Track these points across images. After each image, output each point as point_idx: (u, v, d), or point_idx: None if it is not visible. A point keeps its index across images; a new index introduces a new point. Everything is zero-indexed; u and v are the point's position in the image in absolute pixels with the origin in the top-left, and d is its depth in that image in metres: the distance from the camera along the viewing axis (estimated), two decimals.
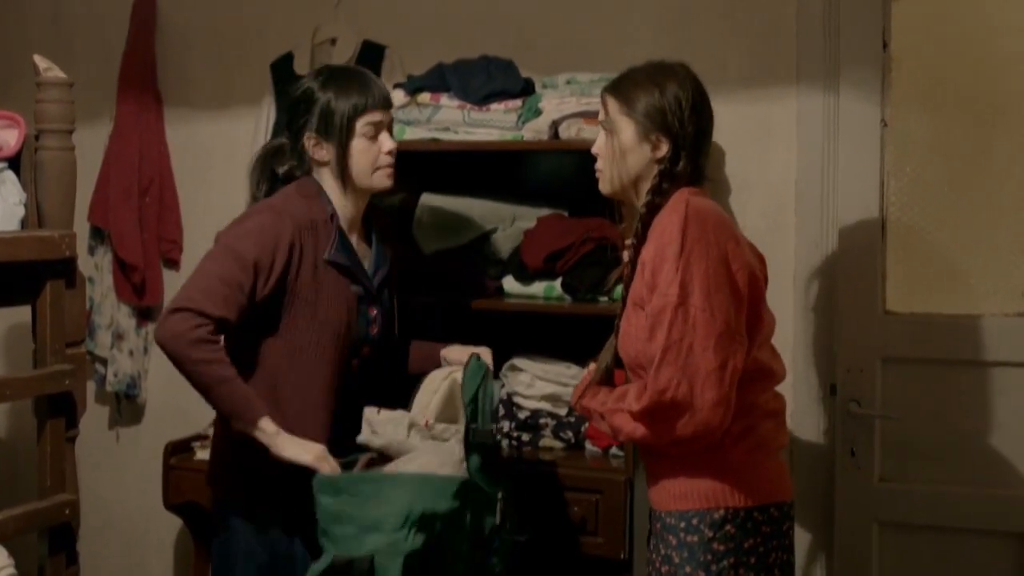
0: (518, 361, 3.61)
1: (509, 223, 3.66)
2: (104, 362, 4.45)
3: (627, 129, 2.71)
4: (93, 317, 4.42)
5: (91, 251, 4.43)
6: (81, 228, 4.39)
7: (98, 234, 4.42)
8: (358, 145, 2.95)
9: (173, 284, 4.39)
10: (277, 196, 2.99)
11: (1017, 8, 3.43)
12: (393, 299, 3.18)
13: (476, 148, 3.57)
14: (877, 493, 3.57)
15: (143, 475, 4.42)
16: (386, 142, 2.99)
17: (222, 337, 2.86)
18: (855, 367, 3.55)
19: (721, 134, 3.51)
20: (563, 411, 3.58)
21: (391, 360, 3.23)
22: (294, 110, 3.00)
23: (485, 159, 3.71)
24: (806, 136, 3.58)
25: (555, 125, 3.48)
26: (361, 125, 2.94)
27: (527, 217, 3.66)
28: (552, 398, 3.58)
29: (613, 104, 2.76)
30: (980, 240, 3.50)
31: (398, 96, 3.70)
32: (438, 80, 3.67)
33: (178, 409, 4.36)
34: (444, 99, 3.63)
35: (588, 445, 3.56)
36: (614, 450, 3.49)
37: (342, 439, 2.93)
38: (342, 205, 3.00)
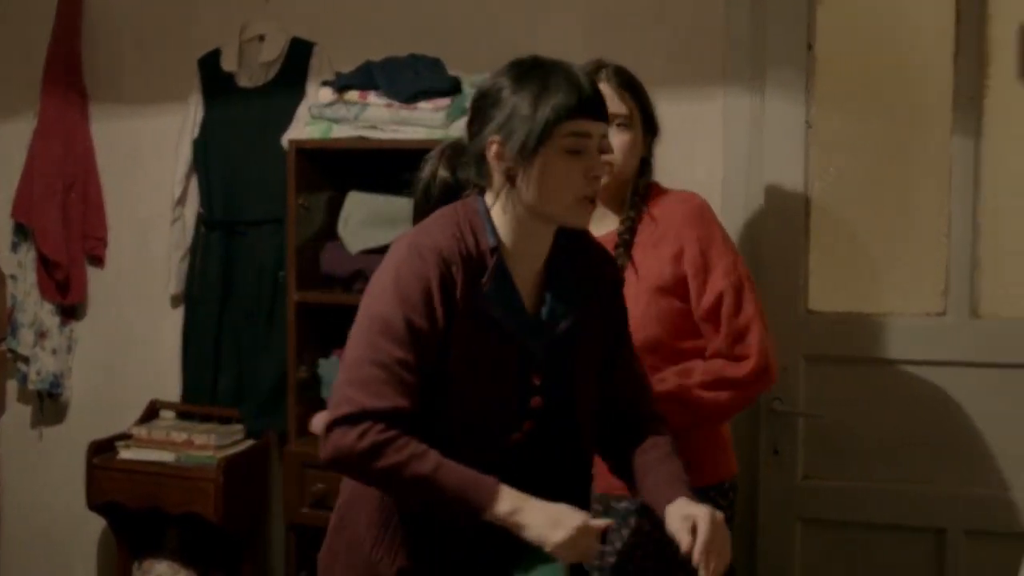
0: None
1: None
2: (26, 360, 4.38)
3: (639, 124, 2.92)
4: (15, 315, 4.36)
5: (14, 248, 4.37)
6: (4, 225, 4.38)
7: (21, 231, 4.36)
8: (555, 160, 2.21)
9: (97, 281, 4.36)
10: (422, 223, 2.30)
11: (935, 11, 3.47)
12: (587, 359, 2.39)
13: (403, 147, 3.57)
14: (800, 490, 3.60)
15: (66, 475, 4.37)
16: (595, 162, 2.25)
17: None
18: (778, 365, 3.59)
19: None
20: None
21: (585, 439, 2.41)
22: (477, 105, 2.32)
23: (413, 157, 3.68)
24: (732, 136, 3.61)
25: None
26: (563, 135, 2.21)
27: None
28: None
29: (630, 99, 2.89)
30: (901, 240, 3.54)
31: (325, 94, 3.69)
32: (366, 78, 3.66)
33: (102, 408, 4.33)
34: (372, 97, 3.62)
35: None
36: None
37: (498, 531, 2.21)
38: (515, 234, 2.28)
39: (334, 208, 3.76)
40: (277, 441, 4.06)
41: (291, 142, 3.69)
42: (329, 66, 3.96)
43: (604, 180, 2.27)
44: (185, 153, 4.14)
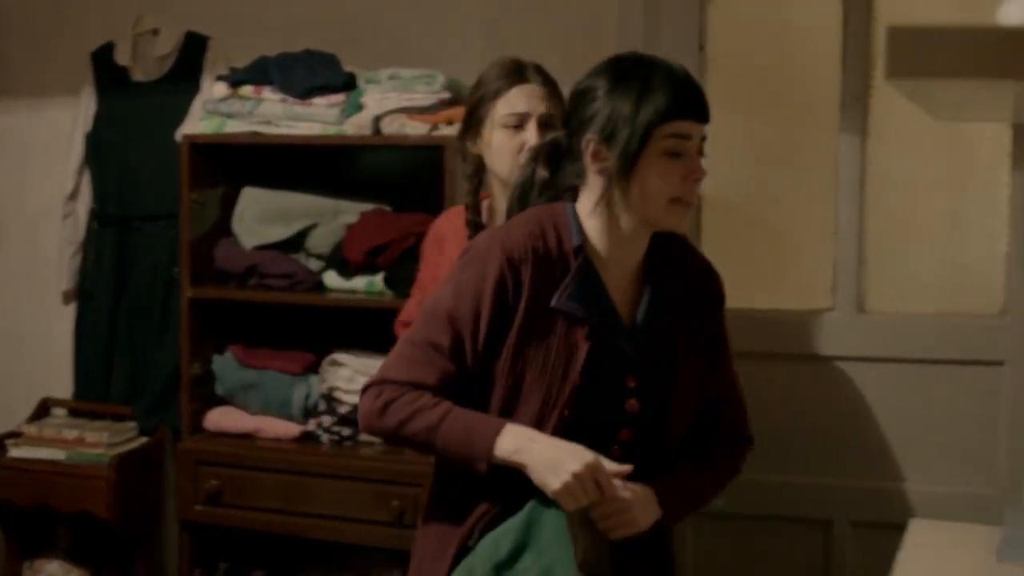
0: (339, 356, 3.60)
1: (331, 218, 3.65)
2: None
3: (560, 125, 2.74)
4: None
5: None
6: None
7: None
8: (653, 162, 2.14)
9: None
10: (509, 221, 2.27)
11: (823, 13, 3.54)
12: (689, 370, 2.31)
13: (298, 142, 3.57)
14: None
15: None
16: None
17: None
18: None
19: None
20: None
21: (675, 449, 2.33)
22: (575, 103, 2.24)
23: (307, 153, 3.71)
24: None
25: (377, 120, 3.49)
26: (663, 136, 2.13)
27: (349, 212, 3.65)
28: None
29: (554, 99, 2.81)
30: (790, 237, 3.61)
31: (220, 89, 3.68)
32: (260, 73, 3.65)
33: None
34: (266, 92, 3.61)
35: None
36: None
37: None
38: (608, 235, 2.21)
39: (228, 204, 3.74)
40: (171, 438, 4.02)
41: (184, 137, 3.67)
42: (224, 61, 3.94)
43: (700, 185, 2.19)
44: (77, 148, 4.09)
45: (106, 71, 4.06)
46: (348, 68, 3.65)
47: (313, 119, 3.55)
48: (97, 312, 4.08)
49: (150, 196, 4.00)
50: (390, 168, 3.72)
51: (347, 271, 3.59)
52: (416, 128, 3.44)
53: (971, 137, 3.52)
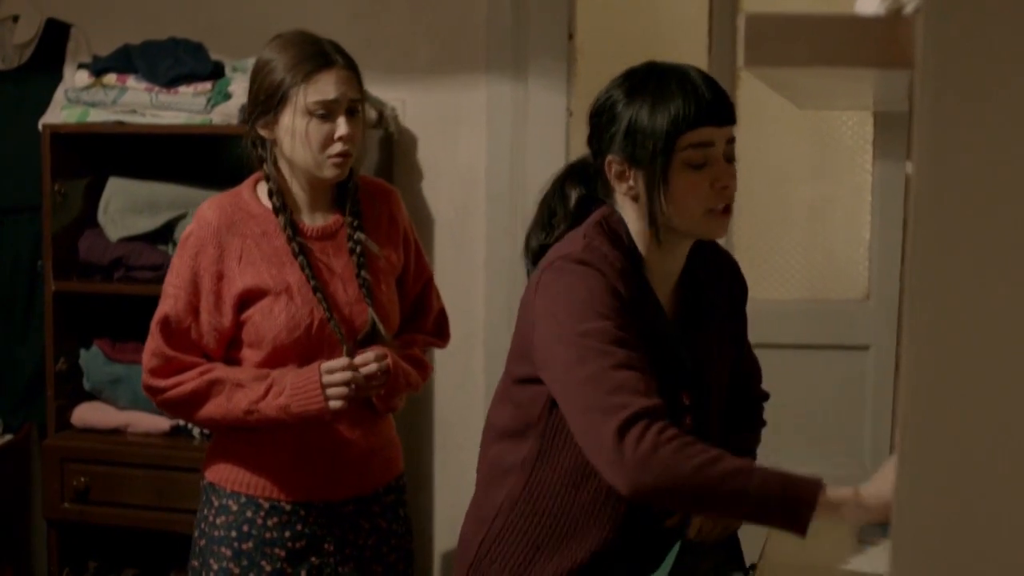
0: None
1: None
2: None
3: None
4: None
5: None
6: None
7: None
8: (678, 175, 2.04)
9: None
10: (572, 238, 2.12)
11: (689, 3, 3.59)
12: (722, 369, 2.28)
13: (164, 132, 3.51)
14: None
15: None
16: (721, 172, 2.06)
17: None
18: None
19: (412, 121, 3.56)
20: None
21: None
22: (594, 122, 2.14)
23: (174, 143, 3.65)
24: (495, 124, 3.65)
25: (244, 109, 3.44)
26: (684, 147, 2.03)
27: None
28: None
29: (359, 84, 2.57)
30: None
31: (82, 77, 3.60)
32: (124, 62, 3.58)
33: None
34: (131, 81, 3.54)
35: None
36: None
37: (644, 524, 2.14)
38: (649, 247, 2.12)
39: (93, 195, 3.67)
40: (36, 435, 3.94)
41: (45, 126, 3.58)
42: (87, 48, 3.86)
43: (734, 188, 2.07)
44: None
45: None
46: (215, 56, 3.60)
47: (179, 108, 3.50)
48: None
49: (11, 187, 3.91)
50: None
51: None
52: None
53: (835, 126, 3.59)
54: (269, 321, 2.51)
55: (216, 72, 3.55)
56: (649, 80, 2.03)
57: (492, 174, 3.65)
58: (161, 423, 3.61)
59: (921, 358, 1.07)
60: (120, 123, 3.53)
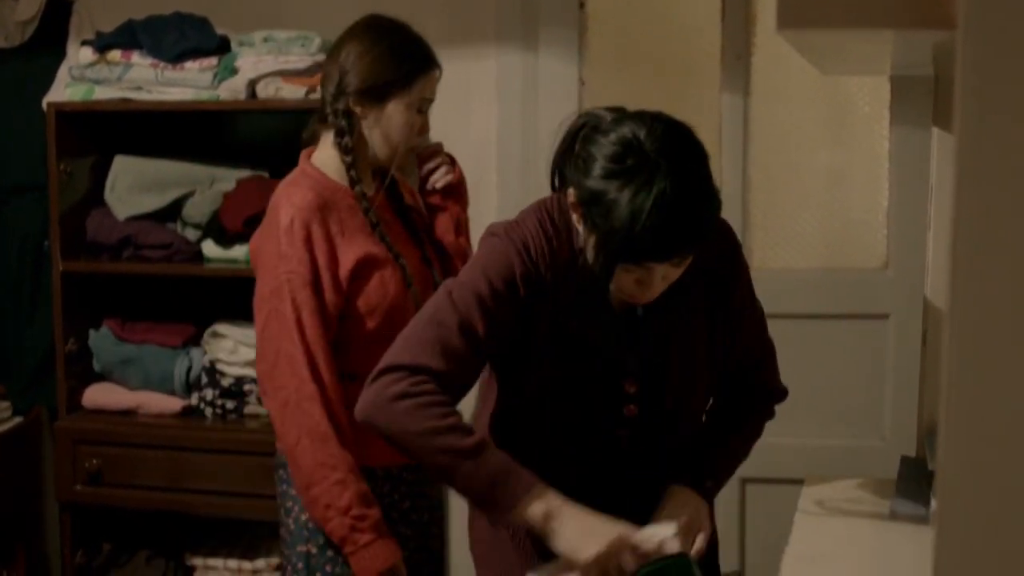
0: (220, 327, 3.53)
1: (207, 185, 3.56)
2: None
3: None
4: None
5: None
6: None
7: None
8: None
9: None
10: (518, 217, 2.22)
11: None
12: (687, 356, 2.19)
13: (170, 108, 3.47)
14: None
15: None
16: None
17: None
18: None
19: None
20: None
21: (686, 438, 2.26)
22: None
23: (181, 119, 3.61)
24: (506, 95, 3.60)
25: (252, 84, 3.41)
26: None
27: (226, 179, 3.57)
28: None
29: None
30: None
31: (86, 54, 3.56)
32: (129, 38, 3.54)
33: None
34: (136, 57, 3.50)
35: None
36: None
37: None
38: None
39: (100, 173, 3.63)
40: (47, 417, 3.91)
41: (50, 105, 3.54)
42: (90, 25, 3.80)
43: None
44: None
45: None
46: (220, 31, 3.56)
47: (185, 84, 3.46)
48: None
49: (17, 167, 3.88)
50: (266, 133, 3.64)
51: (226, 240, 3.50)
52: (292, 91, 3.37)
53: (850, 93, 3.54)
54: (380, 289, 2.57)
55: (222, 47, 3.52)
56: (636, 176, 1.90)
57: (503, 145, 3.60)
58: (173, 403, 3.59)
59: (965, 331, 1.03)
60: (126, 100, 3.49)
